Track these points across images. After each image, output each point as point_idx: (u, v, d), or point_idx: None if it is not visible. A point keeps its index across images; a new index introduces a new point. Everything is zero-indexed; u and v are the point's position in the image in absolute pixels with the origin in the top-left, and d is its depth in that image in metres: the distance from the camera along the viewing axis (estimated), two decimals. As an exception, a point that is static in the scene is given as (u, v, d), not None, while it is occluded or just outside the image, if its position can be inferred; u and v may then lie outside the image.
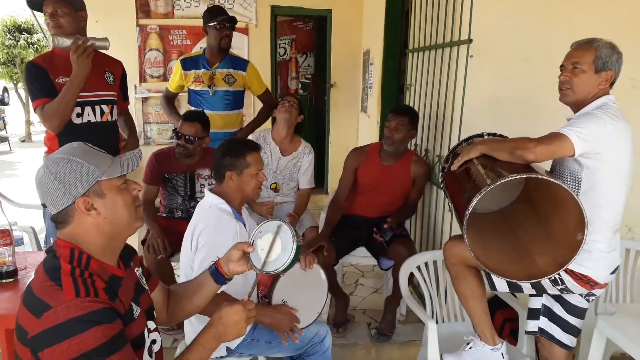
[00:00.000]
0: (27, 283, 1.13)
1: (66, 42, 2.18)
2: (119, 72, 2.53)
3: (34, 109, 2.29)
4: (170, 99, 3.47)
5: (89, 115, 2.35)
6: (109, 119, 2.44)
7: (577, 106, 1.75)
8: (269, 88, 5.38)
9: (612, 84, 1.72)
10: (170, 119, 3.67)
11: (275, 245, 1.35)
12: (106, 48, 2.33)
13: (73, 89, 2.20)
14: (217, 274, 1.41)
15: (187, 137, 2.73)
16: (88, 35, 2.32)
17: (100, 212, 1.14)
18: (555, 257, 1.65)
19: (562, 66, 1.77)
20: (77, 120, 2.32)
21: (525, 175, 1.61)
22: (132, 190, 1.21)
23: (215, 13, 3.17)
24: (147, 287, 1.35)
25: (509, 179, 1.57)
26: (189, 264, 1.90)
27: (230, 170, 1.92)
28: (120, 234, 1.21)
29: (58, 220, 1.15)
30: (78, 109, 2.30)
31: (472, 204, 1.57)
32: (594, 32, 1.78)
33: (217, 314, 1.26)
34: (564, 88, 1.74)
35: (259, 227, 1.39)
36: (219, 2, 5.09)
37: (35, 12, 2.27)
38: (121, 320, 1.09)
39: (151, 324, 1.30)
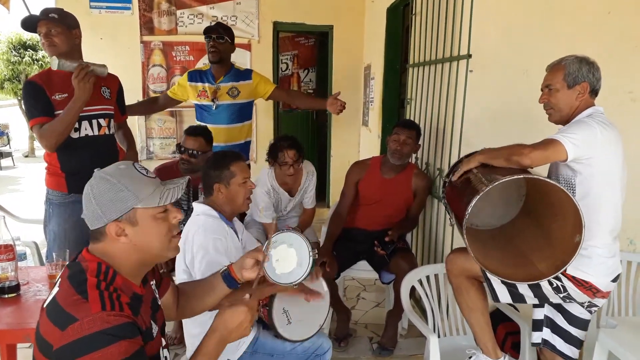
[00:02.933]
0: (51, 296, 1.12)
1: (73, 66, 2.22)
2: (115, 86, 2.55)
3: (31, 127, 2.31)
4: (156, 102, 3.46)
5: (86, 130, 2.37)
6: (107, 132, 2.46)
7: (565, 123, 1.80)
8: (272, 103, 5.45)
9: (594, 93, 1.76)
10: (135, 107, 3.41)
11: (290, 257, 1.37)
12: (104, 74, 2.39)
13: (74, 112, 2.23)
14: (230, 278, 1.42)
15: (190, 151, 2.75)
16: (84, 54, 2.39)
17: (131, 238, 1.14)
18: (555, 261, 1.68)
19: (541, 90, 1.84)
20: (75, 135, 2.34)
21: (521, 176, 1.65)
22: (171, 219, 1.20)
23: (206, 28, 3.20)
24: (160, 303, 1.34)
25: (506, 179, 1.60)
26: (185, 273, 1.90)
27: (218, 183, 1.95)
28: (149, 261, 1.22)
29: (93, 235, 1.16)
30: (75, 124, 2.31)
31: (472, 204, 1.60)
32: (591, 45, 1.81)
33: (219, 318, 1.23)
34: (547, 109, 1.83)
35: (274, 236, 1.40)
36: (222, 18, 5.16)
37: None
38: (141, 337, 1.10)
39: (163, 341, 1.30)
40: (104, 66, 2.39)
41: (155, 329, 1.22)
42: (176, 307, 1.47)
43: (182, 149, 2.77)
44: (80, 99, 2.21)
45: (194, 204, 1.99)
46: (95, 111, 2.39)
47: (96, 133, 2.41)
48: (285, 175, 2.90)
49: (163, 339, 1.30)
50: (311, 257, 1.35)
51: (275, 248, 1.39)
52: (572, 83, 1.74)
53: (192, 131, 2.84)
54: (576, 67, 1.73)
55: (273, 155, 2.90)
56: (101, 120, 2.42)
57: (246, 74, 3.32)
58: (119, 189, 1.12)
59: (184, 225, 2.86)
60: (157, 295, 1.35)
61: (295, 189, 3.07)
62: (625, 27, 1.88)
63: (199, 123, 3.26)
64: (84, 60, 2.36)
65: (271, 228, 2.94)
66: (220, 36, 3.12)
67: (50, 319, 1.07)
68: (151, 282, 1.33)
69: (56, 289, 1.13)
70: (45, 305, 1.12)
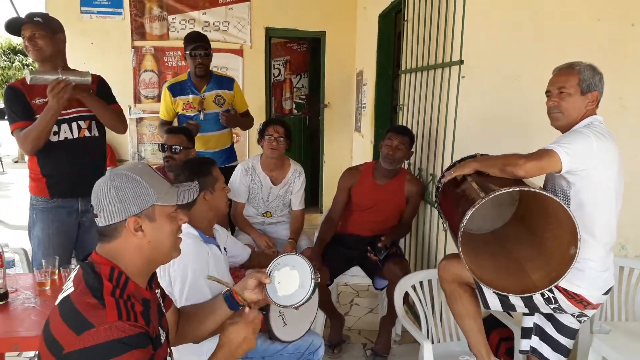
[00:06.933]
0: (65, 295, 1.12)
1: (48, 79, 2.19)
2: (94, 86, 2.47)
3: (11, 132, 2.31)
4: (168, 124, 3.40)
5: (65, 133, 2.35)
6: (87, 135, 2.43)
7: (568, 129, 1.77)
8: (264, 108, 5.47)
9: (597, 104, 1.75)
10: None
11: (293, 279, 1.37)
12: (87, 83, 2.35)
13: (46, 120, 2.22)
14: (232, 300, 1.42)
15: (172, 148, 2.76)
16: (75, 59, 2.35)
17: (147, 234, 1.16)
18: (549, 272, 1.66)
19: (547, 92, 1.79)
20: (54, 139, 2.33)
21: (517, 189, 1.63)
22: (179, 220, 1.23)
23: (189, 40, 3.18)
24: (165, 311, 1.35)
25: (502, 192, 1.59)
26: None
27: (204, 190, 1.89)
28: (158, 260, 1.23)
29: (104, 233, 1.16)
30: (55, 127, 2.30)
31: (467, 217, 1.59)
32: (581, 51, 1.82)
33: (224, 336, 1.26)
34: (554, 113, 1.77)
35: (277, 259, 1.41)
36: (214, 24, 5.16)
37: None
38: (152, 346, 1.11)
39: (169, 350, 1.30)
40: (86, 74, 2.33)
41: (162, 335, 1.23)
42: (175, 330, 1.46)
43: (165, 146, 2.78)
44: (53, 107, 2.19)
45: None
46: (74, 113, 2.37)
47: (75, 136, 2.39)
48: (269, 149, 2.90)
49: (168, 348, 1.29)
50: (313, 280, 1.36)
51: (278, 270, 1.39)
52: (586, 90, 1.71)
53: (172, 130, 2.88)
54: (590, 74, 1.70)
55: (262, 131, 2.95)
56: (81, 123, 2.40)
57: (228, 84, 3.36)
58: (141, 185, 1.14)
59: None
60: (162, 303, 1.34)
61: (278, 179, 3.05)
62: (614, 34, 1.90)
63: None
64: (66, 69, 2.34)
65: (242, 208, 3.04)
66: (207, 52, 3.15)
67: (64, 319, 1.07)
68: (156, 291, 1.32)
69: (70, 288, 1.13)
70: (57, 303, 1.13)
